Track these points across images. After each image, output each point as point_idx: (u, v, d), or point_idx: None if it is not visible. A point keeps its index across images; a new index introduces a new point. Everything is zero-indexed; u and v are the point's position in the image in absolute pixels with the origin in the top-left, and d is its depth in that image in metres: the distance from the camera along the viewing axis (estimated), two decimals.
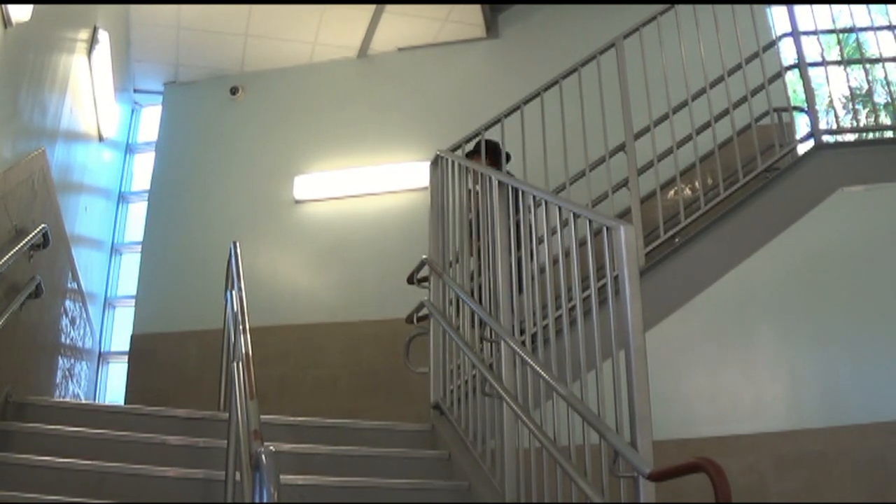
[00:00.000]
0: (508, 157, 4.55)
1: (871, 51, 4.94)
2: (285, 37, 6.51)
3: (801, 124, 5.02)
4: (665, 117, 4.35)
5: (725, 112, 4.35)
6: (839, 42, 4.84)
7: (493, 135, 4.43)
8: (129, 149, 7.11)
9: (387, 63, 6.77)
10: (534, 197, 3.20)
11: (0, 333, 3.25)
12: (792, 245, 3.97)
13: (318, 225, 6.30)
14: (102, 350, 6.24)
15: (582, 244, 2.85)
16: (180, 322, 5.95)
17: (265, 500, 1.67)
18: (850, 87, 4.69)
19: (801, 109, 4.57)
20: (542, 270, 3.28)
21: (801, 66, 4.37)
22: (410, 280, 4.25)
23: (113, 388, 6.19)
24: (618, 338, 2.53)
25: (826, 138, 4.27)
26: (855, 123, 4.92)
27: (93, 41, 5.11)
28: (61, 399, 4.54)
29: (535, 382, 3.00)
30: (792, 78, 4.55)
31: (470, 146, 4.48)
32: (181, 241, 6.38)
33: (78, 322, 5.18)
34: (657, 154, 4.30)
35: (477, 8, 6.36)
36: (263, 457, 1.73)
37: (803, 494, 3.54)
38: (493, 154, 4.45)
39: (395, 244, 5.78)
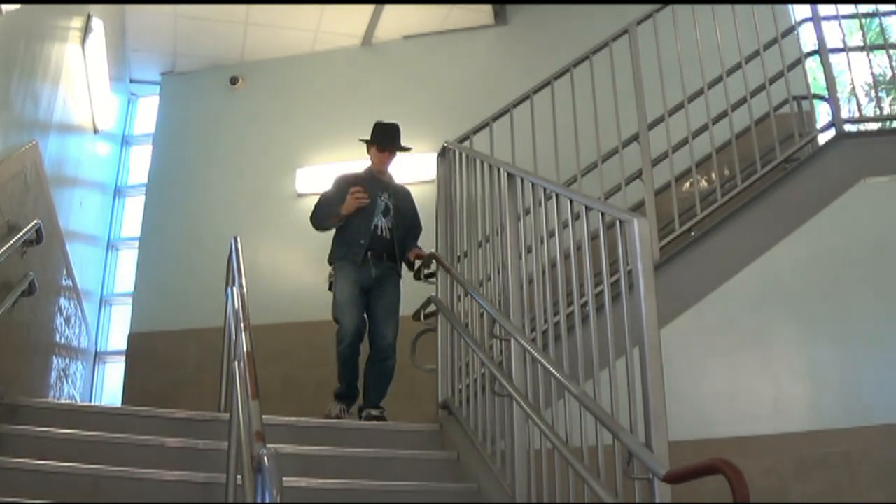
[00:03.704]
0: (402, 149, 4.47)
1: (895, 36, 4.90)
2: (287, 24, 6.45)
3: (822, 113, 5.02)
4: (680, 106, 4.32)
5: (743, 101, 4.31)
6: (861, 27, 4.80)
7: (502, 125, 4.37)
8: (126, 141, 7.08)
9: (392, 51, 6.73)
10: (545, 189, 3.15)
11: None
12: (812, 238, 3.94)
13: None
14: (98, 349, 6.22)
15: (594, 238, 2.80)
16: (179, 320, 5.92)
17: None
18: (872, 74, 4.63)
19: (821, 97, 4.51)
20: (553, 265, 3.20)
21: (821, 52, 4.33)
22: (417, 276, 4.21)
23: (109, 388, 6.18)
24: (632, 335, 2.48)
25: (848, 127, 4.23)
26: (878, 111, 4.88)
27: (86, 30, 5.08)
28: (56, 400, 4.52)
29: (546, 381, 2.97)
30: (812, 65, 4.52)
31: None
32: (180, 236, 6.34)
33: (73, 320, 5.18)
34: (672, 144, 4.27)
35: None
36: (265, 459, 1.69)
37: (825, 497, 3.50)
38: (377, 137, 4.38)
39: None
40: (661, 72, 4.21)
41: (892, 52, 4.52)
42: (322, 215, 4.32)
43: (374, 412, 4.02)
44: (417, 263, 4.23)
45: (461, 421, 3.56)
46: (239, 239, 3.62)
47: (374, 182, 4.34)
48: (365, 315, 4.18)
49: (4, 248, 3.34)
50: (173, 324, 5.92)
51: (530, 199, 3.25)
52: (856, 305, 3.84)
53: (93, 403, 5.60)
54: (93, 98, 5.40)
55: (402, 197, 4.43)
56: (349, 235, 4.25)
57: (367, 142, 4.43)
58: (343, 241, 4.27)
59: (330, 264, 4.31)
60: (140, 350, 5.93)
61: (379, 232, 4.22)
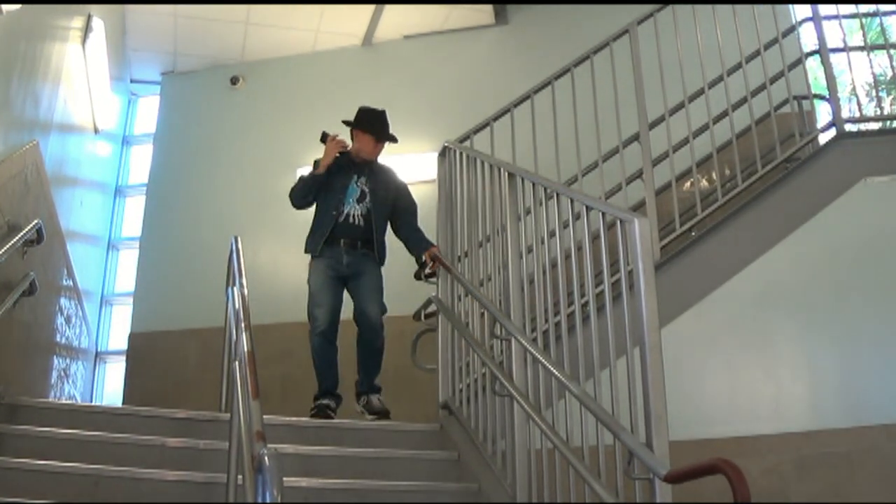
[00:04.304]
0: (394, 139, 4.40)
1: None
2: (287, 24, 6.43)
3: (823, 113, 5.00)
4: (680, 106, 4.30)
5: (743, 100, 4.29)
6: (862, 27, 4.78)
7: (502, 125, 4.34)
8: (126, 141, 7.05)
9: (392, 51, 6.70)
10: (545, 189, 3.13)
11: None
12: (813, 238, 3.91)
13: None
14: (99, 349, 6.19)
15: (595, 238, 2.79)
16: (180, 320, 5.89)
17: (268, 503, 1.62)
18: (873, 74, 4.61)
19: (822, 97, 4.50)
20: (553, 265, 3.19)
21: (822, 52, 4.31)
22: (418, 276, 4.17)
23: (110, 388, 6.15)
24: (632, 334, 2.47)
25: (848, 127, 4.21)
26: (879, 111, 4.86)
27: (87, 29, 5.06)
28: (56, 400, 4.50)
29: (546, 381, 2.95)
30: (813, 65, 4.50)
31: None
32: (180, 235, 6.31)
33: (73, 320, 5.16)
34: (672, 144, 4.24)
35: None
36: (266, 458, 1.68)
37: (826, 497, 3.47)
38: (373, 126, 4.30)
39: None
40: (662, 71, 4.19)
41: (892, 51, 4.51)
42: (299, 185, 4.20)
43: (374, 399, 3.95)
44: (428, 265, 4.05)
45: (462, 421, 3.54)
46: (239, 239, 3.60)
47: (352, 166, 4.23)
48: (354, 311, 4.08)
49: (5, 248, 3.33)
50: (173, 324, 5.89)
51: (531, 199, 3.23)
52: (856, 305, 3.81)
53: (93, 403, 5.58)
54: (93, 98, 5.38)
55: (381, 177, 4.28)
56: (317, 223, 4.16)
57: (351, 126, 4.33)
58: (313, 230, 4.18)
59: (306, 252, 4.20)
60: (141, 350, 5.90)
61: (351, 220, 4.10)
